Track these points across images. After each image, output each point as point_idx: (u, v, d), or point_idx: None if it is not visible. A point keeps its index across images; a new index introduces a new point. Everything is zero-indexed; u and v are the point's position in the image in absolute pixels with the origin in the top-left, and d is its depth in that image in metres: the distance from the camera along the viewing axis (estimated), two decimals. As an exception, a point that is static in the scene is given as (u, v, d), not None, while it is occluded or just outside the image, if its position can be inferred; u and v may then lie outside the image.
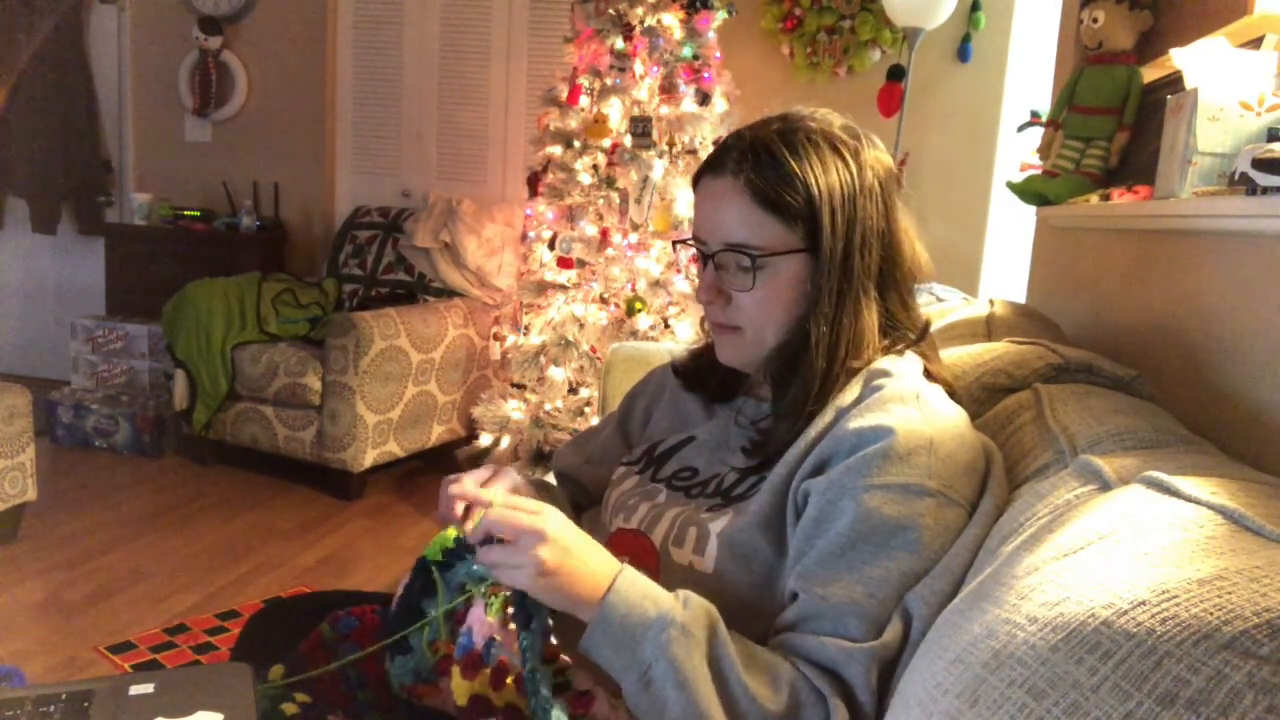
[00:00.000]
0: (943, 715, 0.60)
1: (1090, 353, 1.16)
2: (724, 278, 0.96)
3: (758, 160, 0.92)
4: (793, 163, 0.91)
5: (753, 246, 0.93)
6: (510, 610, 0.84)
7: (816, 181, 0.91)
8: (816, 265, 0.93)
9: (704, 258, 0.97)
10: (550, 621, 0.82)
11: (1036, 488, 0.83)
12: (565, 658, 0.83)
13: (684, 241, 1.05)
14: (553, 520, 0.79)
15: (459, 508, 0.89)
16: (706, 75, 2.98)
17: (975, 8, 3.27)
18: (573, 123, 3.07)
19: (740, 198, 0.93)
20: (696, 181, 0.99)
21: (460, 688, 0.86)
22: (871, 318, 0.95)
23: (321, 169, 4.18)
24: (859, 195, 0.93)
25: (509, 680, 0.84)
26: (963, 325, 1.55)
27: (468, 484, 0.92)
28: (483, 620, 0.86)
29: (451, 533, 0.89)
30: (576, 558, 0.79)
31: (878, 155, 0.97)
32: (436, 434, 3.50)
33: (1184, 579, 0.54)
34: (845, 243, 0.92)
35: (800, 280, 0.94)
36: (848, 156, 0.93)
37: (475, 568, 0.87)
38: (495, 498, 0.83)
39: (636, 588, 0.80)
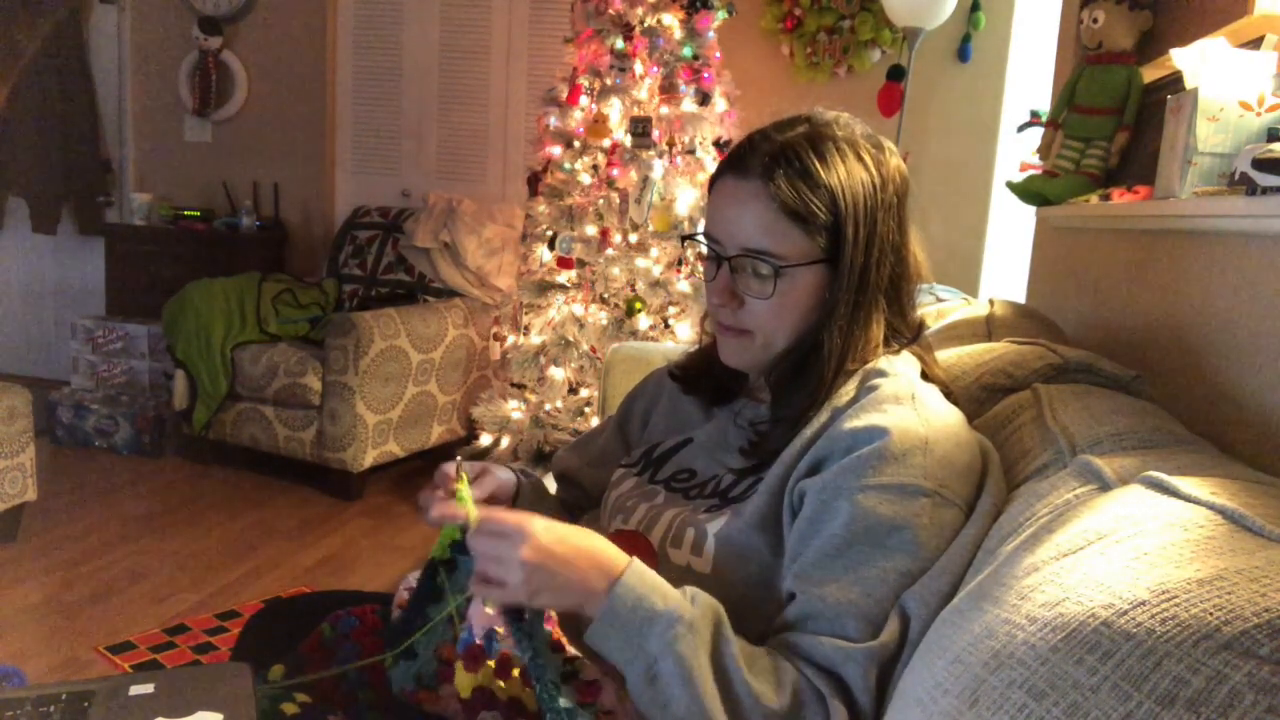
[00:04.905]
0: (942, 715, 0.60)
1: (1090, 353, 1.15)
2: (739, 281, 0.94)
3: (789, 167, 0.90)
4: (822, 173, 0.90)
5: (774, 255, 0.91)
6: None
7: (843, 194, 0.90)
8: (834, 276, 0.92)
9: (718, 259, 0.96)
10: (551, 612, 0.81)
11: (1036, 488, 0.83)
12: (571, 649, 0.83)
13: (692, 237, 1.04)
14: (536, 521, 0.79)
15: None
16: (706, 75, 2.98)
17: (975, 8, 3.27)
18: (573, 123, 3.07)
19: (767, 205, 0.90)
20: (716, 179, 0.97)
21: (464, 681, 0.86)
22: (879, 328, 0.95)
23: (321, 169, 4.18)
24: (879, 209, 0.92)
25: (515, 671, 0.84)
26: (963, 325, 1.54)
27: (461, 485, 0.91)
28: (481, 612, 0.86)
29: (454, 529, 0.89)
30: (570, 550, 0.78)
31: (897, 165, 0.96)
32: (436, 434, 3.50)
33: (1184, 579, 0.54)
34: (865, 256, 0.92)
35: (817, 290, 0.93)
36: (872, 169, 0.92)
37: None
38: (472, 514, 0.82)
39: (645, 581, 0.80)
